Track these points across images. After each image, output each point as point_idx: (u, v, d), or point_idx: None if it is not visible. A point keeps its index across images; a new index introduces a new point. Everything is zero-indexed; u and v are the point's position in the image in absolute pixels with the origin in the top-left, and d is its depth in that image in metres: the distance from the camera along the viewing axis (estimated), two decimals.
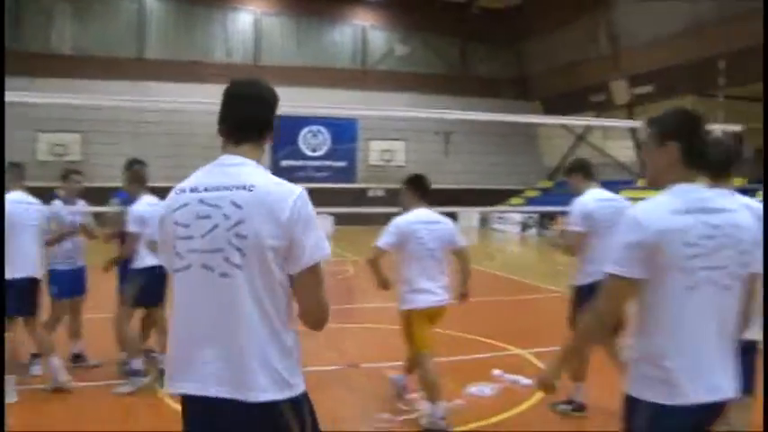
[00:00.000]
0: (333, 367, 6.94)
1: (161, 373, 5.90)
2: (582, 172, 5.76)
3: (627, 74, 27.81)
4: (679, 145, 2.64)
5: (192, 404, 2.34)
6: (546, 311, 10.78)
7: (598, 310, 2.60)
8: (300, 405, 2.32)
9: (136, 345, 6.37)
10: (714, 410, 2.53)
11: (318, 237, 2.29)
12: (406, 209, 5.43)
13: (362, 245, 6.66)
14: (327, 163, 32.57)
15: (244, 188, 2.27)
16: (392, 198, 6.17)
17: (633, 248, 2.51)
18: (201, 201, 2.31)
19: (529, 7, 32.28)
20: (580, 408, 5.59)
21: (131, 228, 6.15)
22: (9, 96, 9.03)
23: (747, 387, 3.38)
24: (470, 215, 31.21)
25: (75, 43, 30.95)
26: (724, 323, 2.55)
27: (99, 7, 31.26)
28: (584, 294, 5.11)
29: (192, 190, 2.35)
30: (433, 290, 5.26)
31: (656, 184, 2.80)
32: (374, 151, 32.74)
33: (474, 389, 6.23)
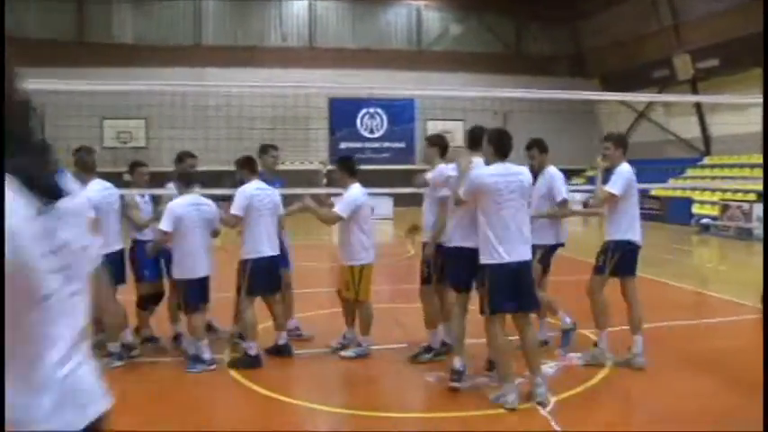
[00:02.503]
0: (399, 345, 7.14)
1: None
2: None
3: (689, 47, 26.89)
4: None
5: (514, 265, 5.26)
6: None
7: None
8: None
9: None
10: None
11: None
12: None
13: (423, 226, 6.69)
14: (386, 144, 32.59)
15: (521, 174, 5.43)
16: None
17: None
18: (505, 179, 5.30)
19: None
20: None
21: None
22: (77, 86, 9.35)
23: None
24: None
25: (135, 33, 31.63)
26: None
27: None
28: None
29: (497, 175, 5.31)
30: None
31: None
32: (432, 131, 32.59)
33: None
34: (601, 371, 6.26)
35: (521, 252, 5.32)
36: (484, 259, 5.34)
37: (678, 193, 24.39)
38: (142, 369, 6.52)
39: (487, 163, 5.53)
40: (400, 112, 32.63)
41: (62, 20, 30.95)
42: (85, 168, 6.61)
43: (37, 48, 28.64)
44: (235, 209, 6.55)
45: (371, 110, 32.73)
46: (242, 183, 6.75)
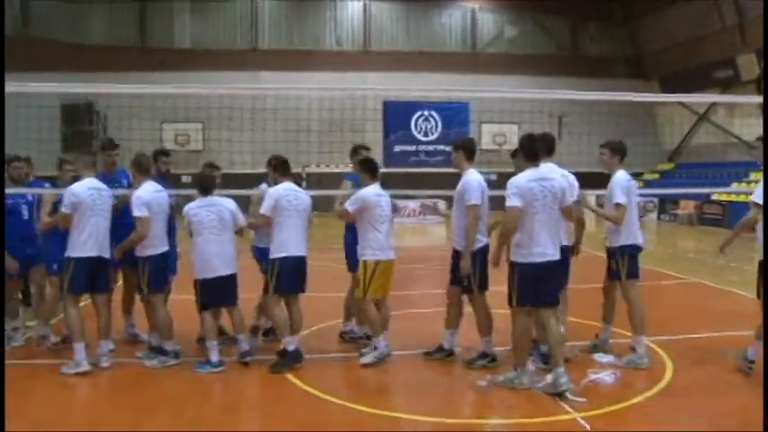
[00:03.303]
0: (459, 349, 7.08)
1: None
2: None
3: (755, 47, 26.02)
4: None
5: (542, 265, 5.70)
6: (667, 298, 10.36)
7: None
8: None
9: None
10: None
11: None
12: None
13: None
14: (440, 147, 32.48)
15: (553, 179, 5.80)
16: (504, 182, 6.13)
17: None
18: (540, 183, 5.71)
19: None
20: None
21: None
22: (137, 89, 9.58)
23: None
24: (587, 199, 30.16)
25: (194, 38, 32.31)
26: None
27: (215, 1, 32.49)
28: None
29: (533, 180, 5.71)
30: None
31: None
32: (486, 134, 32.30)
33: (594, 376, 6.11)
34: (662, 380, 6.10)
35: (551, 253, 5.76)
36: (518, 258, 5.78)
37: (742, 198, 23.65)
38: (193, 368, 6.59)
39: (522, 169, 5.90)
40: (454, 115, 32.47)
41: (125, 27, 31.82)
42: (140, 170, 6.81)
43: (101, 54, 29.51)
44: (263, 209, 6.64)
45: (426, 113, 32.67)
46: (276, 183, 6.83)
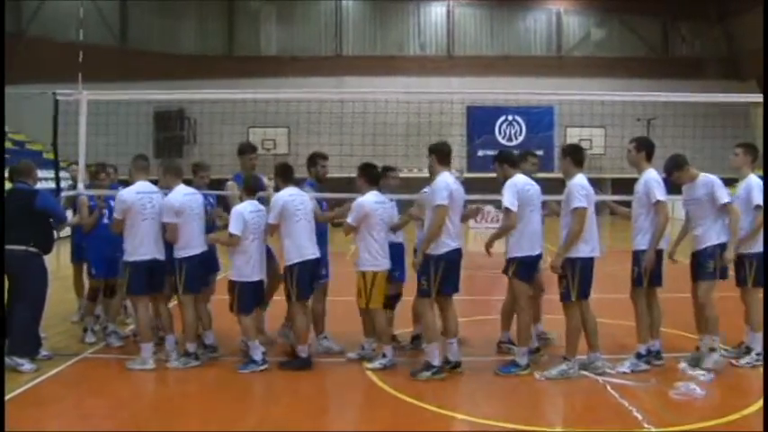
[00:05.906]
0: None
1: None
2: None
3: None
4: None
5: (595, 259, 6.30)
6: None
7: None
8: None
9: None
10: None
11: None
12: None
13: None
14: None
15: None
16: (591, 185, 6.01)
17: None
18: (591, 187, 6.25)
19: None
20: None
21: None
22: (227, 95, 9.89)
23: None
24: (677, 205, 29.16)
25: (279, 45, 33.09)
26: None
27: (300, 9, 33.17)
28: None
29: (588, 184, 6.26)
30: None
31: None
32: (572, 138, 31.68)
33: (684, 387, 5.85)
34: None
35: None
36: (581, 254, 6.23)
37: None
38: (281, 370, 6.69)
39: (568, 175, 6.40)
40: (539, 120, 31.98)
41: (214, 37, 32.94)
42: (176, 174, 6.92)
43: (192, 63, 30.63)
44: (270, 218, 6.61)
45: (510, 117, 32.33)
46: (277, 190, 6.79)
